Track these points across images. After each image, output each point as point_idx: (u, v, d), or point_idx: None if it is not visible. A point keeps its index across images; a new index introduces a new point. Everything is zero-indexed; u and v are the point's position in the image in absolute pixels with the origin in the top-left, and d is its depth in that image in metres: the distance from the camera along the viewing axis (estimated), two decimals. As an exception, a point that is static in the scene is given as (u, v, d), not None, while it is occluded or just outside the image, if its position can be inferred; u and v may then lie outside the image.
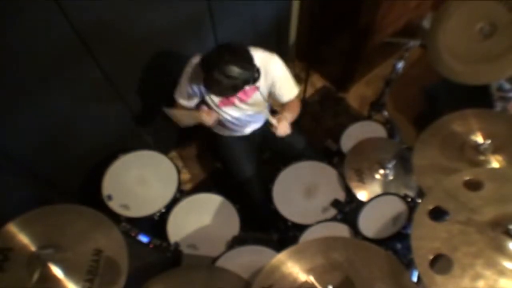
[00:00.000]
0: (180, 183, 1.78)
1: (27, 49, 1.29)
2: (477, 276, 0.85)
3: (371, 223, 1.55)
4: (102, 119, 1.80)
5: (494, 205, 0.95)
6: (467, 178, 1.02)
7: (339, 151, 1.99)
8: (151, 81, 1.84)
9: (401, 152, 1.73)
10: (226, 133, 1.90)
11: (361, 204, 1.58)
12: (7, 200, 1.59)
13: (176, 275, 1.32)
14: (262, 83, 1.58)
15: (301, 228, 1.57)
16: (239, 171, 1.85)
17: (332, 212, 1.66)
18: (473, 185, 1.01)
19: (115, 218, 1.62)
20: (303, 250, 1.14)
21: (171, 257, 1.52)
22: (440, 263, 0.91)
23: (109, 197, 1.67)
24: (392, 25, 2.28)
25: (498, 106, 1.76)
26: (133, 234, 1.52)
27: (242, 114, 1.75)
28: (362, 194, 1.66)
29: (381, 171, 1.69)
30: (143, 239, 1.52)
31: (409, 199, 1.55)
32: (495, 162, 1.31)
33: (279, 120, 1.60)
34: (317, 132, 2.53)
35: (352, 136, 1.98)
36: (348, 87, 2.70)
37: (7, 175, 1.57)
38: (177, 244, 1.57)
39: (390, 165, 1.66)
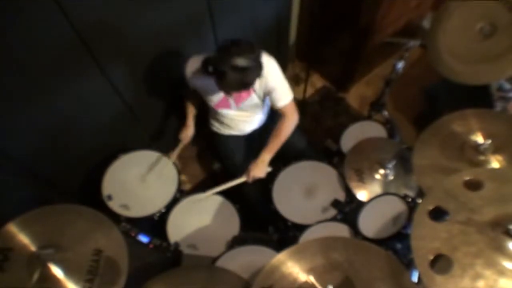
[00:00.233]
0: (180, 183, 1.78)
1: (27, 49, 1.29)
2: (477, 276, 0.85)
3: (371, 223, 1.55)
4: (102, 119, 1.80)
5: (494, 205, 0.95)
6: (467, 178, 1.03)
7: (339, 151, 1.99)
8: (151, 81, 1.84)
9: (401, 152, 1.73)
10: (225, 132, 1.90)
11: (361, 204, 1.58)
12: (7, 200, 1.59)
13: (176, 275, 1.31)
14: (257, 85, 1.58)
15: (301, 228, 1.57)
16: (238, 171, 1.85)
17: (332, 212, 1.66)
18: (473, 185, 1.01)
19: (115, 218, 1.62)
20: (303, 250, 1.14)
21: (171, 257, 1.52)
22: (440, 263, 0.91)
23: (109, 197, 1.67)
24: (392, 25, 2.28)
25: (498, 106, 1.76)
26: (133, 234, 1.52)
27: (239, 116, 1.75)
28: (362, 194, 1.66)
29: (381, 171, 1.69)
30: (143, 239, 1.52)
31: (409, 199, 1.55)
32: (495, 162, 1.31)
33: (250, 169, 1.69)
34: (317, 132, 2.53)
35: (352, 136, 1.98)
36: (348, 87, 2.70)
37: (7, 175, 1.57)
38: (177, 244, 1.57)
39: (390, 165, 1.65)
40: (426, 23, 2.39)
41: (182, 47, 1.80)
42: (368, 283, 1.03)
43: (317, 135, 2.48)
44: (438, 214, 0.98)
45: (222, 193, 1.76)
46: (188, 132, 1.87)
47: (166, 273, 1.29)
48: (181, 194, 1.80)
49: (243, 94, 1.63)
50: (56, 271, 1.03)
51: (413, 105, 2.51)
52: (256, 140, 1.95)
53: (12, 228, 1.10)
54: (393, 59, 2.04)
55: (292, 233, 1.66)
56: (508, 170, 1.24)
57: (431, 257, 0.90)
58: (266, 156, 1.71)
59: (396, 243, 1.57)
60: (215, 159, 2.15)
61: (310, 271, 1.08)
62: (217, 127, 1.91)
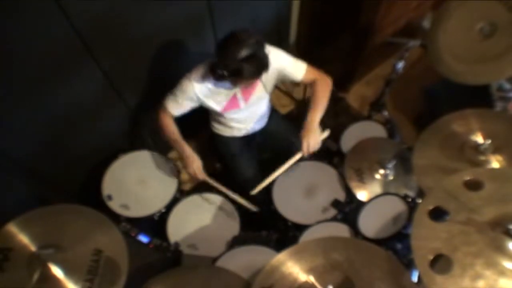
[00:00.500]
0: (180, 183, 1.78)
1: (27, 49, 1.29)
2: (477, 276, 0.85)
3: (371, 223, 1.55)
4: (102, 119, 1.80)
5: (494, 205, 0.95)
6: (467, 178, 1.03)
7: (339, 151, 1.99)
8: (151, 81, 1.84)
9: (401, 152, 1.73)
10: (226, 133, 1.90)
11: (361, 204, 1.57)
12: (7, 200, 1.59)
13: (176, 275, 1.31)
14: (263, 76, 1.57)
15: (301, 228, 1.57)
16: (239, 171, 1.85)
17: (332, 212, 1.66)
18: (473, 185, 1.01)
19: (115, 218, 1.62)
20: (303, 250, 1.14)
21: (171, 257, 1.52)
22: (440, 263, 0.91)
23: (109, 197, 1.67)
24: (392, 25, 2.28)
25: (498, 106, 1.76)
26: (133, 234, 1.52)
27: (247, 113, 1.74)
28: (362, 194, 1.66)
29: (381, 171, 1.68)
30: (143, 239, 1.52)
31: (409, 199, 1.55)
32: (495, 162, 1.31)
33: (303, 138, 1.58)
34: (317, 132, 2.53)
35: (352, 136, 1.97)
36: (348, 87, 2.70)
37: (7, 175, 1.57)
38: (177, 244, 1.57)
39: (390, 165, 1.65)
40: (426, 23, 2.38)
41: (182, 47, 1.80)
42: (368, 283, 1.03)
43: (317, 135, 2.48)
44: (438, 214, 0.98)
45: (222, 193, 1.76)
46: (195, 163, 1.66)
47: (166, 273, 1.29)
48: (181, 194, 1.80)
49: (250, 88, 1.62)
50: (56, 271, 1.03)
51: (413, 105, 2.51)
52: (256, 142, 1.95)
53: (12, 228, 1.10)
54: (393, 59, 2.04)
55: (292, 233, 1.66)
56: (508, 170, 1.24)
57: (431, 257, 0.90)
58: (314, 116, 1.57)
59: (396, 243, 1.57)
60: (216, 159, 2.15)
61: (310, 271, 1.08)
62: (218, 129, 1.90)
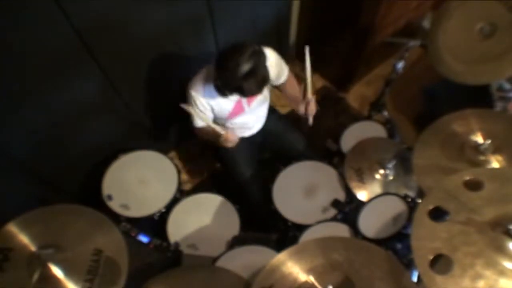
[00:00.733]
0: (180, 183, 1.78)
1: (28, 49, 1.29)
2: (477, 276, 0.85)
3: (371, 223, 1.55)
4: (102, 119, 1.80)
5: (494, 205, 0.95)
6: (467, 178, 1.03)
7: (339, 151, 1.99)
8: (151, 81, 1.84)
9: (401, 152, 1.73)
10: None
11: (361, 204, 1.58)
12: (7, 200, 1.59)
13: (176, 275, 1.31)
14: None
15: (301, 228, 1.57)
16: (239, 171, 1.85)
17: (332, 212, 1.66)
18: (473, 185, 1.01)
19: (115, 218, 1.62)
20: (303, 250, 1.14)
21: (171, 257, 1.52)
22: (440, 263, 0.91)
23: (109, 197, 1.67)
24: (392, 25, 2.28)
25: (498, 106, 1.76)
26: (133, 234, 1.51)
27: (251, 116, 1.75)
28: (362, 194, 1.66)
29: (381, 171, 1.69)
30: (143, 239, 1.52)
31: (409, 199, 1.55)
32: (495, 162, 1.30)
33: (307, 107, 1.67)
34: (317, 132, 2.53)
35: (352, 136, 1.98)
36: (348, 87, 2.70)
37: (7, 175, 1.57)
38: (177, 244, 1.57)
39: (390, 165, 1.66)
40: (426, 23, 2.39)
41: (182, 46, 1.80)
42: (368, 283, 1.03)
43: (317, 135, 2.48)
44: (438, 214, 0.98)
45: (222, 193, 1.76)
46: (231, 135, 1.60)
47: (166, 273, 1.29)
48: (181, 194, 1.80)
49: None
50: (56, 271, 1.03)
51: (413, 105, 2.51)
52: (257, 142, 1.94)
53: (12, 228, 1.10)
54: (393, 59, 2.04)
55: (292, 233, 1.66)
56: (508, 170, 1.24)
57: (431, 257, 0.90)
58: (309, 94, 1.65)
59: (396, 243, 1.57)
60: (216, 159, 2.15)
61: (310, 271, 1.08)
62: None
